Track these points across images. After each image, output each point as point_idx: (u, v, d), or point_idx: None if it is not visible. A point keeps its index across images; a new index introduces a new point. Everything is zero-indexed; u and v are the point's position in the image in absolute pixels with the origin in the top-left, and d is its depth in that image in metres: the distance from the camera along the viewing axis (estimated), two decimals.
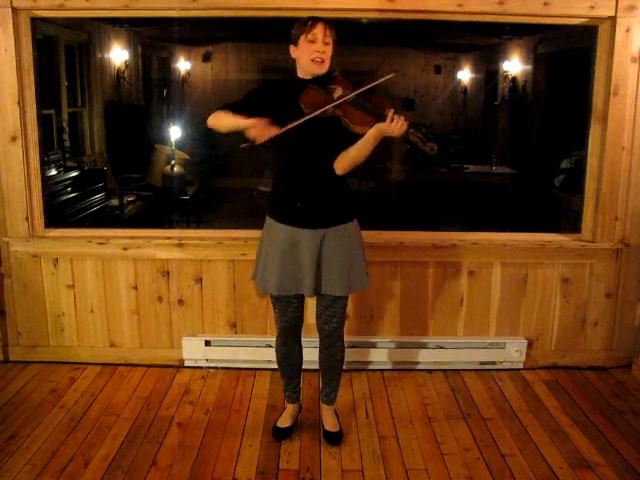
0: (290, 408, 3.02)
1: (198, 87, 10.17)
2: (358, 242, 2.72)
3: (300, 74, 2.60)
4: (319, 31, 2.49)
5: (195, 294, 3.58)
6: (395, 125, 2.37)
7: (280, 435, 2.94)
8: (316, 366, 3.15)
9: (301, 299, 2.79)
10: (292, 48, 2.58)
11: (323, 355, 2.89)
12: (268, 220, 2.71)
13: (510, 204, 6.57)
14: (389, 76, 2.45)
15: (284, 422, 2.98)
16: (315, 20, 2.51)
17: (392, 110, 2.38)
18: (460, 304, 3.62)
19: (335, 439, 2.90)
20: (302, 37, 2.51)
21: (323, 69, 2.53)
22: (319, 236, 2.61)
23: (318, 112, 2.41)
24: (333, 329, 2.78)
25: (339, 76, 2.54)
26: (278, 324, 2.82)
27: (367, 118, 2.43)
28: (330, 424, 2.95)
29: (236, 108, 2.52)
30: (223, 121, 2.55)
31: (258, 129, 2.40)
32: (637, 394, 3.38)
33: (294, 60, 2.61)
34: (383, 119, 2.39)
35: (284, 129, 2.40)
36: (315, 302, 2.80)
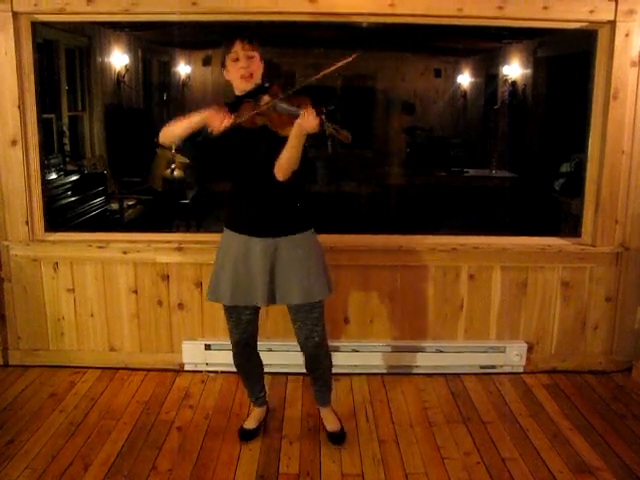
0: (257, 411, 3.03)
1: (198, 91, 10.18)
2: (314, 251, 2.69)
3: (237, 92, 2.62)
4: (238, 48, 2.52)
5: (195, 298, 3.58)
6: (307, 119, 2.35)
7: (245, 436, 2.94)
8: None
9: (255, 310, 2.76)
10: (225, 72, 2.62)
11: (310, 369, 2.87)
12: (224, 230, 2.72)
13: (510, 208, 6.58)
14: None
15: (249, 424, 2.99)
16: (231, 39, 2.53)
17: (306, 106, 2.38)
18: (460, 308, 3.62)
19: (339, 438, 2.90)
20: (227, 58, 2.55)
21: (252, 83, 2.56)
22: (271, 245, 2.60)
23: (243, 119, 2.43)
24: (316, 344, 2.75)
25: (274, 86, 2.56)
26: (231, 336, 2.80)
27: (289, 119, 2.43)
28: (331, 423, 2.95)
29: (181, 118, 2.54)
30: (175, 127, 2.55)
31: (217, 115, 2.41)
32: (637, 398, 3.38)
33: (229, 82, 2.64)
34: (297, 116, 2.39)
35: (237, 120, 2.41)
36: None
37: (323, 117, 2.37)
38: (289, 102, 2.43)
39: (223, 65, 2.60)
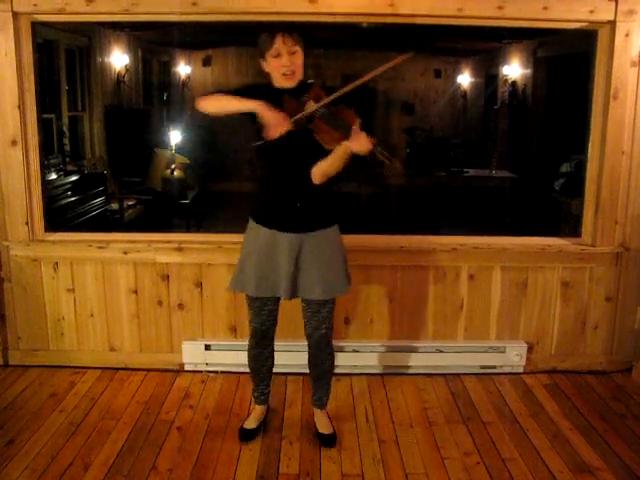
0: (257, 410, 3.03)
1: (198, 91, 10.17)
2: (338, 248, 2.73)
3: (276, 83, 2.59)
4: (280, 45, 2.47)
5: (195, 298, 3.58)
6: (360, 144, 2.37)
7: (245, 436, 2.94)
8: None
9: (276, 302, 2.80)
10: (263, 64, 2.58)
11: (313, 363, 2.90)
12: (250, 222, 2.75)
13: (510, 208, 6.58)
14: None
15: (250, 423, 2.99)
16: (273, 34, 2.48)
17: (357, 128, 2.37)
18: (460, 308, 3.62)
19: (330, 441, 2.90)
20: (268, 54, 2.51)
21: (294, 81, 2.54)
22: (298, 240, 2.63)
23: (293, 121, 2.40)
24: (322, 335, 2.79)
25: (314, 85, 2.53)
26: (252, 325, 2.85)
27: (335, 135, 2.41)
28: (324, 427, 2.95)
29: (236, 94, 2.51)
30: (225, 102, 2.52)
31: (276, 122, 2.39)
32: (637, 398, 3.38)
33: (267, 72, 2.60)
34: (348, 137, 2.38)
35: (293, 119, 2.40)
36: (302, 310, 2.79)
37: (375, 143, 2.37)
38: (334, 112, 2.41)
39: (262, 56, 2.55)
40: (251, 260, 2.70)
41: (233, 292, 2.80)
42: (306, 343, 2.86)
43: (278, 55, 2.48)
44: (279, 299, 2.79)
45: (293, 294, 2.68)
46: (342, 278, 2.73)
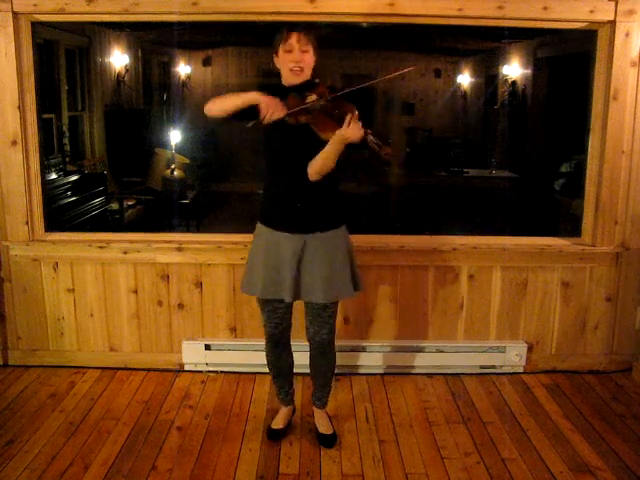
0: (283, 410, 3.03)
1: (198, 91, 10.18)
2: (344, 249, 2.71)
3: (284, 82, 2.63)
4: (294, 41, 2.51)
5: (195, 298, 3.58)
6: (351, 130, 2.38)
7: (274, 436, 2.94)
8: None
9: (288, 305, 2.78)
10: (275, 58, 2.62)
11: (314, 364, 2.90)
12: (258, 224, 2.75)
13: (510, 208, 6.57)
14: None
15: (277, 424, 2.99)
16: (290, 30, 2.53)
17: (351, 115, 2.39)
18: (460, 308, 3.62)
19: (330, 441, 2.90)
20: (280, 47, 2.55)
21: (301, 78, 2.56)
22: (300, 241, 2.62)
23: (290, 112, 2.44)
24: (322, 340, 2.78)
25: (320, 84, 2.56)
26: (265, 330, 2.84)
27: (331, 124, 2.44)
28: (324, 427, 2.95)
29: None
30: (225, 101, 2.54)
31: (271, 104, 2.42)
32: (637, 398, 3.38)
33: (278, 68, 2.64)
34: (342, 124, 2.40)
35: (289, 112, 2.43)
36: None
37: (368, 130, 2.39)
38: (335, 106, 2.43)
39: (275, 52, 2.59)
40: (258, 262, 2.69)
41: (247, 294, 2.78)
42: (306, 343, 2.86)
43: (290, 50, 2.52)
44: (291, 302, 2.77)
45: (295, 297, 2.67)
46: (346, 282, 2.70)
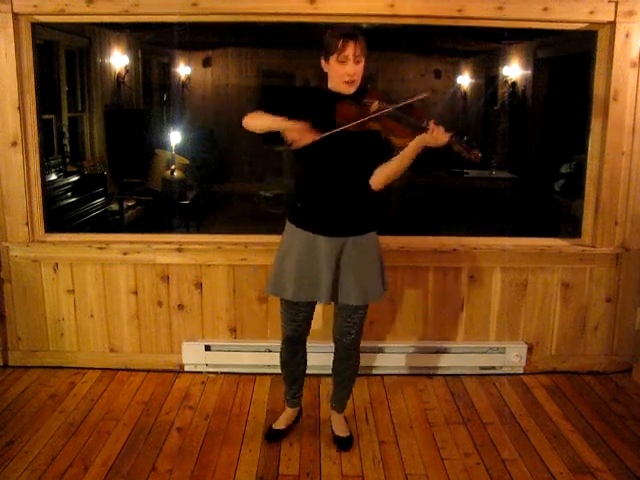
0: (288, 412, 3.03)
1: (198, 92, 10.18)
2: (375, 253, 2.71)
3: (331, 86, 2.55)
4: (350, 52, 2.42)
5: (195, 299, 3.58)
6: (437, 135, 2.35)
7: (273, 436, 2.94)
8: (317, 371, 3.16)
9: (312, 308, 2.77)
10: (323, 62, 2.53)
11: (338, 366, 2.89)
12: (289, 225, 2.70)
13: (510, 209, 6.57)
14: (423, 95, 2.43)
15: (279, 424, 2.99)
16: (346, 40, 2.42)
17: (433, 121, 2.36)
18: (460, 309, 3.62)
19: (347, 444, 2.90)
20: (333, 57, 2.45)
21: (353, 89, 2.50)
22: (338, 245, 2.60)
23: (354, 123, 2.38)
24: (351, 341, 2.78)
25: (372, 89, 2.52)
26: (285, 331, 2.81)
27: (407, 130, 2.41)
28: (341, 430, 2.95)
29: (273, 109, 2.49)
30: (261, 121, 2.52)
31: (299, 133, 2.38)
32: (637, 399, 3.38)
33: (325, 71, 2.56)
34: (424, 130, 2.36)
35: (323, 135, 2.38)
36: (325, 311, 2.78)
37: (453, 134, 2.36)
38: (406, 111, 2.40)
39: (325, 58, 2.49)
40: (290, 264, 2.65)
41: (274, 296, 2.77)
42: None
43: (344, 61, 2.44)
44: (315, 304, 2.75)
45: (333, 298, 2.66)
46: (378, 285, 2.70)
